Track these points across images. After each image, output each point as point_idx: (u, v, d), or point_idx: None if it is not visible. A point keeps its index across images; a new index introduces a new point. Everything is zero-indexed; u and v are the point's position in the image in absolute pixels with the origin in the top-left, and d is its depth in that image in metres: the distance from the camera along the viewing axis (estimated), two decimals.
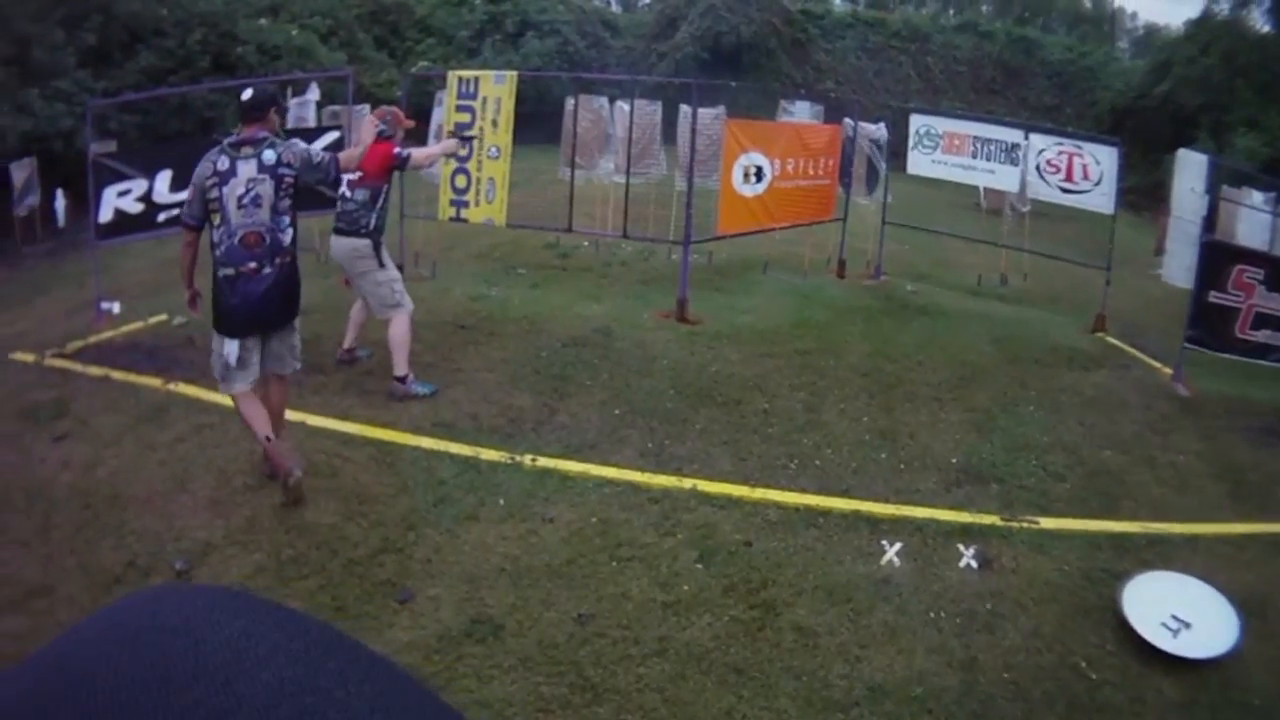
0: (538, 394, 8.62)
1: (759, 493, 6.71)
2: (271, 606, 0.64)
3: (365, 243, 8.59)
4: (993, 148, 13.04)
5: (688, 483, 6.87)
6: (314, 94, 13.79)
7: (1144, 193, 24.52)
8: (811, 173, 12.50)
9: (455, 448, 7.55)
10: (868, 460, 7.39)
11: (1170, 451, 8.19)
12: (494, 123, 11.29)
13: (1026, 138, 12.84)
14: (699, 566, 5.79)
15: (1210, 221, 12.14)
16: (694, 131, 11.57)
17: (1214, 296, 10.05)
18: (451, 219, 11.89)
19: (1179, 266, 11.50)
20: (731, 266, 13.71)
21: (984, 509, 6.62)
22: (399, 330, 8.63)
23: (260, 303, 6.43)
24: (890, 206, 14.00)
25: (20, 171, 17.36)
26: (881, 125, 14.53)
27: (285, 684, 0.54)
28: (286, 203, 6.45)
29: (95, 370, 9.74)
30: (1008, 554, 6.04)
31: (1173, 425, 8.93)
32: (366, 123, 7.69)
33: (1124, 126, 29.41)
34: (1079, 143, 12.75)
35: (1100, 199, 12.36)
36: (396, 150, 8.48)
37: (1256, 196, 14.06)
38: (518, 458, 7.33)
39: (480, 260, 14.39)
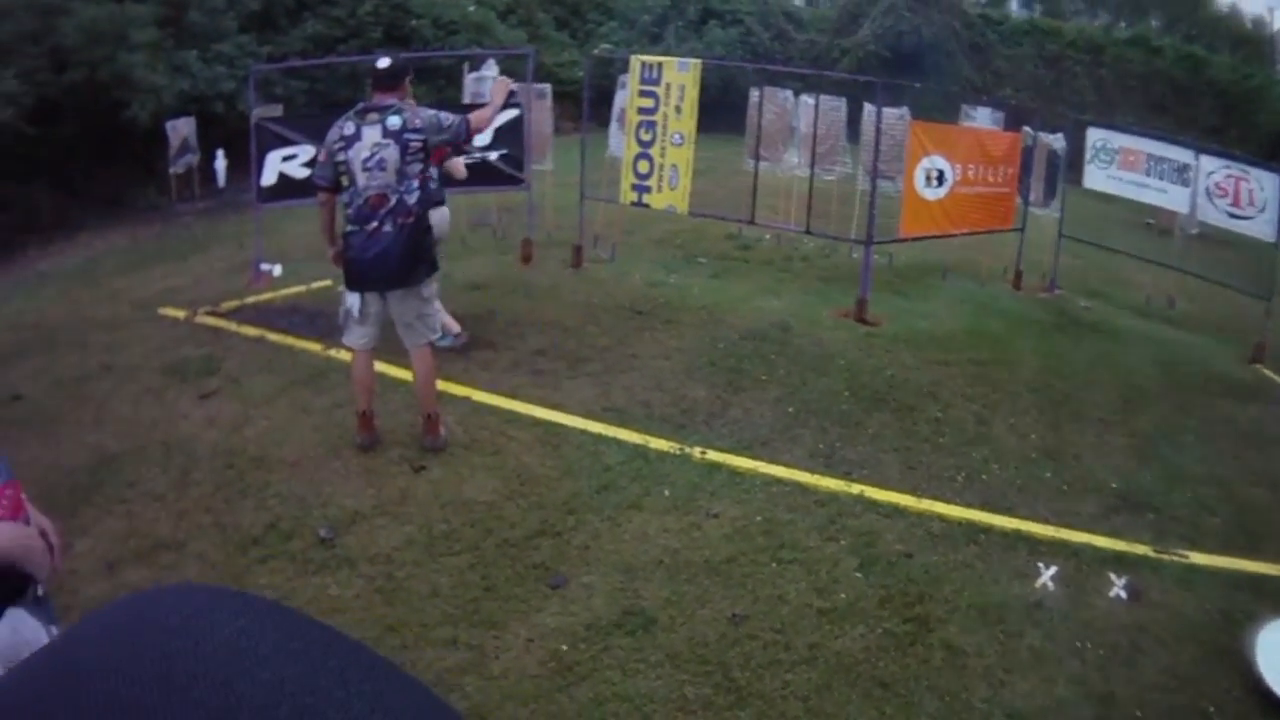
0: (712, 386, 8.54)
1: (925, 504, 6.61)
2: (271, 606, 0.62)
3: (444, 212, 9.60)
4: (1165, 167, 12.79)
5: (855, 488, 6.73)
6: (491, 70, 13.65)
7: None
8: (992, 180, 12.29)
9: (624, 434, 7.48)
10: (1032, 479, 7.23)
11: None
12: (677, 109, 11.27)
13: (1197, 159, 12.49)
14: (858, 575, 5.69)
15: None
16: (878, 131, 11.46)
17: None
18: (633, 203, 11.90)
19: None
20: (911, 269, 13.54)
21: (1137, 538, 6.44)
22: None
23: (377, 259, 6.56)
24: (1065, 219, 13.72)
25: (177, 130, 17.48)
26: (1060, 135, 14.26)
27: (285, 684, 0.54)
28: (416, 167, 6.56)
29: (250, 330, 9.90)
30: (1156, 587, 5.87)
31: None
32: (499, 84, 7.47)
33: None
34: (1246, 167, 12.36)
35: (1264, 226, 11.99)
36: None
37: None
38: (687, 449, 7.24)
39: (660, 246, 14.36)
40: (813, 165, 12.41)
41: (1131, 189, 13.29)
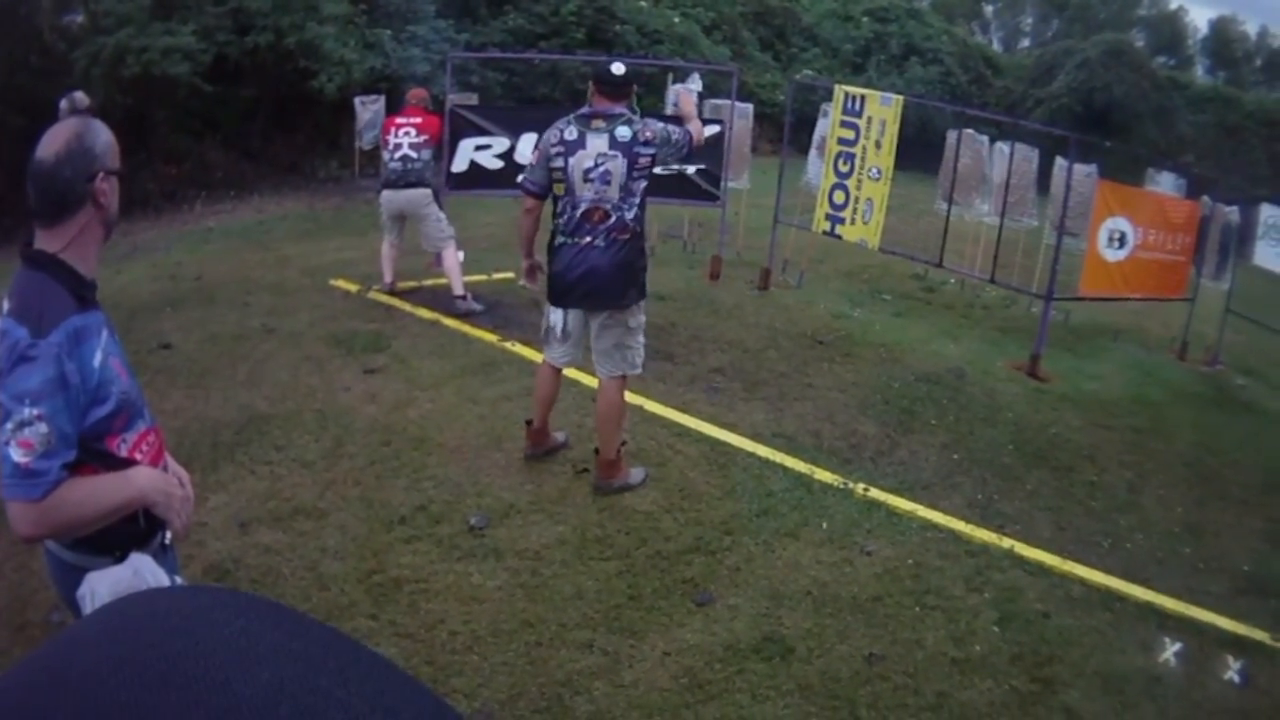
0: (883, 424, 8.54)
1: (1068, 565, 6.58)
2: (272, 606, 0.63)
3: (427, 191, 10.28)
4: None
5: (1006, 542, 6.68)
6: (696, 84, 13.76)
7: None
8: (1170, 247, 12.15)
9: (791, 462, 7.47)
10: (1171, 553, 7.16)
11: None
12: (877, 144, 11.29)
13: None
14: (995, 629, 5.67)
15: None
16: (1068, 186, 11.48)
17: None
18: (825, 233, 12.00)
19: None
20: (1084, 329, 13.35)
21: (1259, 623, 6.32)
22: (450, 258, 10.25)
23: (586, 276, 6.19)
24: (1234, 295, 13.45)
25: (366, 106, 17.73)
26: (1235, 209, 14.01)
27: (285, 684, 0.53)
28: (641, 183, 6.20)
29: (425, 313, 10.08)
30: (1266, 674, 5.78)
31: None
32: (685, 98, 7.58)
33: None
34: None
35: None
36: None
37: None
38: (850, 484, 7.22)
39: (847, 279, 14.33)
40: (1003, 214, 12.42)
41: None
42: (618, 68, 6.34)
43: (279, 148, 20.04)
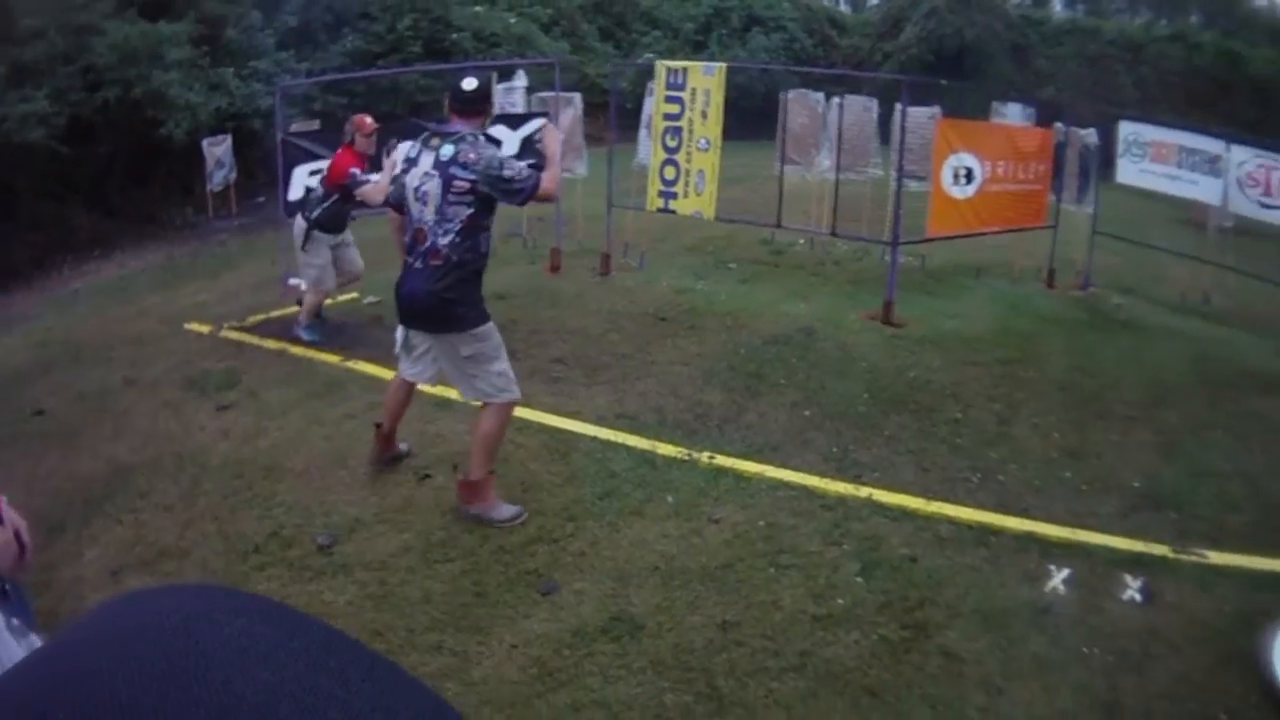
0: (729, 391, 8.40)
1: (934, 506, 6.37)
2: (271, 605, 0.62)
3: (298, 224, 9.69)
4: (1196, 159, 12.43)
5: (864, 491, 6.52)
6: (521, 80, 13.79)
7: None
8: (1023, 177, 11.98)
9: (634, 440, 7.37)
10: (1051, 479, 6.97)
11: None
12: (703, 114, 11.21)
13: (1227, 149, 12.09)
14: (859, 580, 5.50)
15: None
16: (903, 129, 11.34)
17: None
18: (659, 209, 11.87)
19: None
20: (944, 271, 13.32)
21: (1157, 538, 6.14)
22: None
23: (409, 299, 5.94)
24: (1101, 216, 13.40)
25: (214, 148, 17.81)
26: (1093, 131, 13.90)
27: (285, 683, 0.53)
28: (462, 210, 5.73)
29: (273, 344, 9.99)
30: (1172, 589, 5.58)
31: None
32: (550, 134, 6.67)
33: None
34: (1277, 156, 11.92)
35: None
36: (353, 172, 9.03)
37: None
38: (694, 454, 7.10)
39: (691, 253, 14.25)
40: (838, 167, 12.35)
41: (1164, 182, 12.97)
42: (469, 83, 5.99)
43: (136, 200, 19.95)
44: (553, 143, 6.39)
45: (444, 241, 5.77)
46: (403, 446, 7.11)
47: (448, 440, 7.36)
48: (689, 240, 14.72)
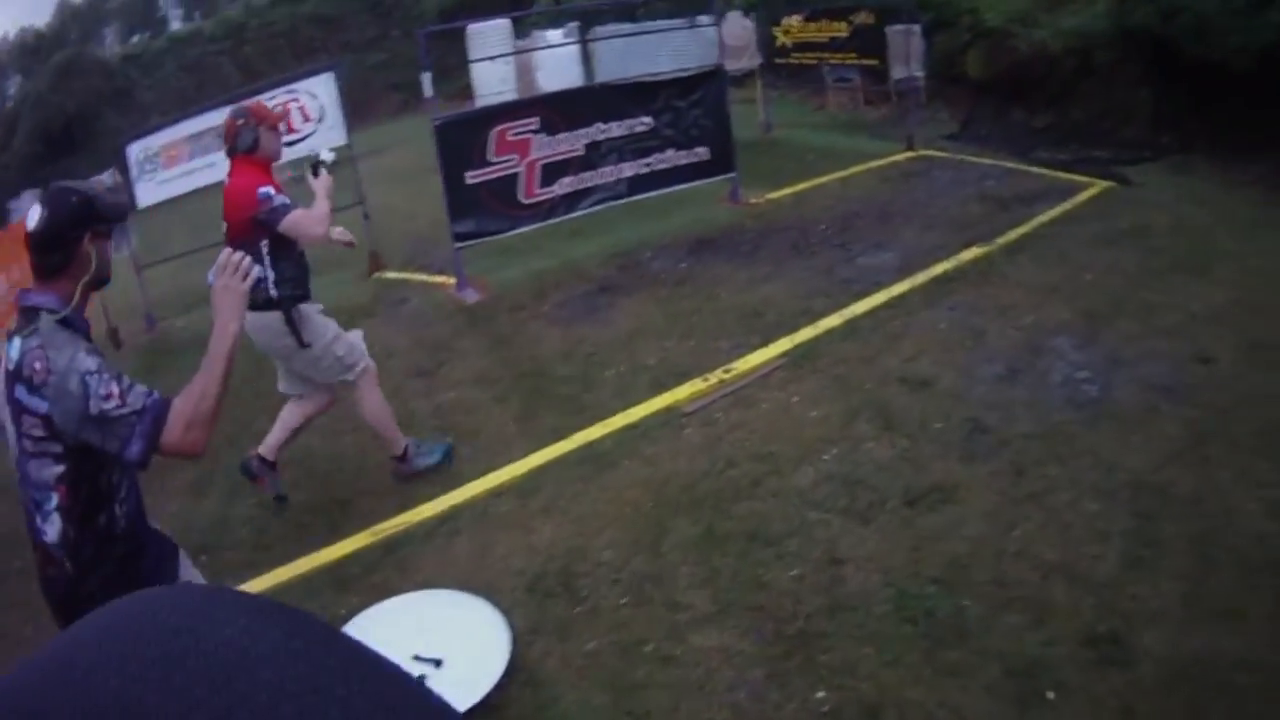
0: None
1: None
2: (273, 605, 0.60)
3: (276, 315, 5.71)
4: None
5: None
6: None
7: None
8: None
9: None
10: None
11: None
12: None
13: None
14: None
15: None
16: None
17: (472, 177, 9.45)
18: None
19: None
20: None
21: None
22: (371, 402, 6.05)
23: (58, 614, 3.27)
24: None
25: None
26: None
27: (286, 683, 0.52)
28: (49, 466, 3.07)
29: None
30: None
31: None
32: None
33: None
34: (294, 87, 11.56)
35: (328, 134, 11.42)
36: (266, 193, 5.48)
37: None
38: None
39: None
40: None
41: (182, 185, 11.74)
42: (32, 217, 3.14)
43: None
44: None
45: (50, 533, 3.13)
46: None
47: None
48: None
